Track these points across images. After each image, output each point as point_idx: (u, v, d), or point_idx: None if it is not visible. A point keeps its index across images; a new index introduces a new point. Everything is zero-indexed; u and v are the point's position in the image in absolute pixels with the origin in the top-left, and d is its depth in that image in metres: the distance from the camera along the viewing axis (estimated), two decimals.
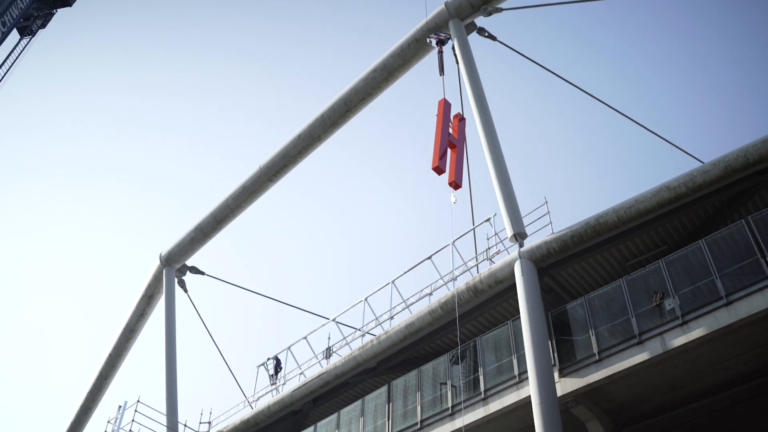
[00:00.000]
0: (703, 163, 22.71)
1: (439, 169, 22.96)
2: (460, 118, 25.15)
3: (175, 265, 38.85)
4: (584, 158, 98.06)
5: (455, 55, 29.87)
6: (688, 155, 26.99)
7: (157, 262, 39.10)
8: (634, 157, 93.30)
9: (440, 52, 28.37)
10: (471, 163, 30.39)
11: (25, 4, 43.90)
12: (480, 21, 30.75)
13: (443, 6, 30.61)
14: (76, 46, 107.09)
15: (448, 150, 23.53)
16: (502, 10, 30.07)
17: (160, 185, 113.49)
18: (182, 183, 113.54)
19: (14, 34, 44.77)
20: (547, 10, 31.63)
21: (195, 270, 39.69)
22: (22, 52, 45.36)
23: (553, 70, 30.05)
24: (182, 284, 39.22)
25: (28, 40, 46.39)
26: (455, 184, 22.99)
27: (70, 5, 49.28)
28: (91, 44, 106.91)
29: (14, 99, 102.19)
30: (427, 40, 29.98)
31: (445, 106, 24.65)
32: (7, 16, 41.91)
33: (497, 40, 30.59)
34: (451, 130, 24.18)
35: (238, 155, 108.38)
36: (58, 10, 48.74)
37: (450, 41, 29.75)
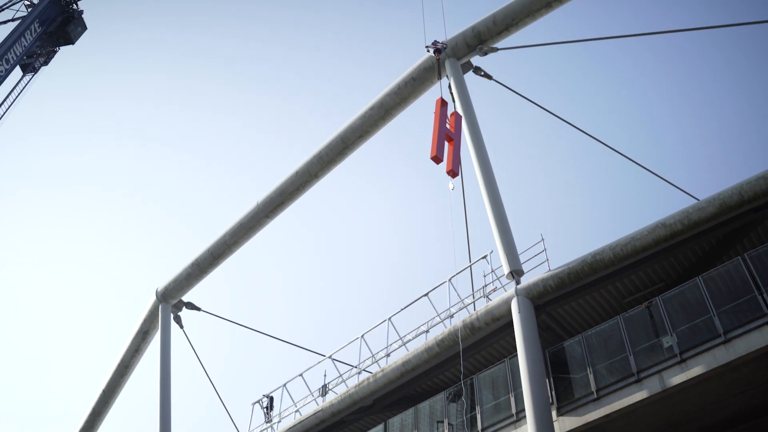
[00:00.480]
0: (698, 200, 22.79)
1: (437, 159, 24.60)
2: (457, 115, 26.87)
3: (172, 300, 38.73)
4: (580, 195, 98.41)
5: (451, 93, 30.14)
6: (684, 192, 27.11)
7: (153, 298, 38.97)
8: (629, 194, 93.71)
9: (438, 60, 30.47)
10: (468, 200, 30.49)
11: (29, 42, 44.43)
12: (476, 60, 31.06)
13: None
14: (78, 83, 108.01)
15: (446, 144, 25.18)
16: (497, 49, 30.39)
17: (156, 219, 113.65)
18: (180, 217, 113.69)
19: (17, 71, 45.27)
20: (542, 48, 31.93)
21: (191, 306, 39.54)
22: (24, 89, 45.88)
23: (548, 108, 30.30)
24: (178, 320, 39.07)
25: (30, 77, 46.87)
26: (452, 173, 24.85)
27: (73, 43, 49.73)
28: (93, 82, 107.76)
29: (15, 134, 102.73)
30: (425, 49, 31.13)
31: (441, 104, 26.41)
32: (10, 53, 42.37)
33: (493, 79, 30.87)
34: (448, 126, 25.82)
35: (238, 190, 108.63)
36: (61, 47, 49.42)
37: (445, 49, 30.41)
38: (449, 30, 30.72)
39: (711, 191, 22.01)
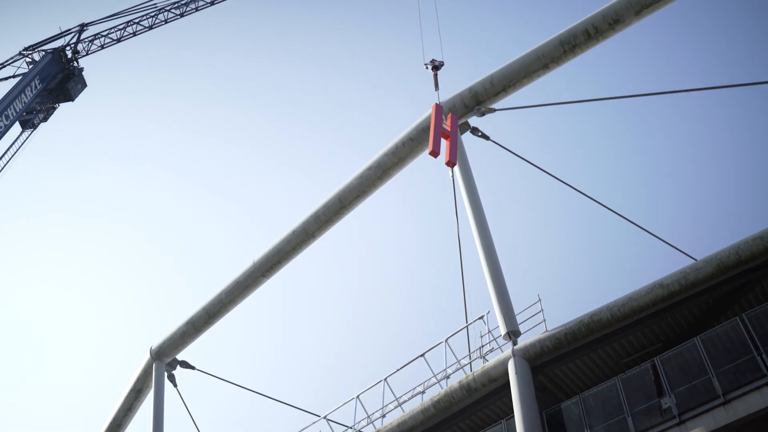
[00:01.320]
0: (695, 260, 22.83)
1: (434, 153, 27.91)
2: (453, 116, 30.12)
3: (166, 359, 38.33)
4: (577, 255, 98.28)
5: None
6: (681, 252, 27.13)
7: (147, 356, 38.58)
8: (626, 254, 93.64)
9: (435, 75, 33.70)
10: (465, 259, 30.50)
11: (29, 98, 44.87)
12: (474, 120, 31.39)
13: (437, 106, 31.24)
14: (76, 139, 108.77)
15: (443, 141, 28.45)
16: (495, 110, 30.75)
17: (151, 275, 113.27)
18: (176, 274, 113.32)
19: (16, 127, 45.62)
20: (540, 108, 32.30)
21: (185, 364, 39.12)
22: (23, 144, 46.23)
23: (544, 168, 30.49)
24: (172, 379, 38.63)
25: (29, 132, 47.31)
26: (451, 163, 28.56)
27: (73, 100, 50.36)
28: (90, 138, 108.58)
29: (13, 189, 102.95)
30: (424, 66, 34.34)
31: (437, 108, 29.57)
32: (10, 109, 42.73)
33: (490, 140, 31.16)
34: (445, 125, 28.96)
35: (236, 246, 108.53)
36: (61, 104, 49.96)
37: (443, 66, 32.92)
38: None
39: (708, 251, 22.10)
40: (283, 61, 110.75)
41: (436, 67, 33.87)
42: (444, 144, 28.32)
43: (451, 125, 29.12)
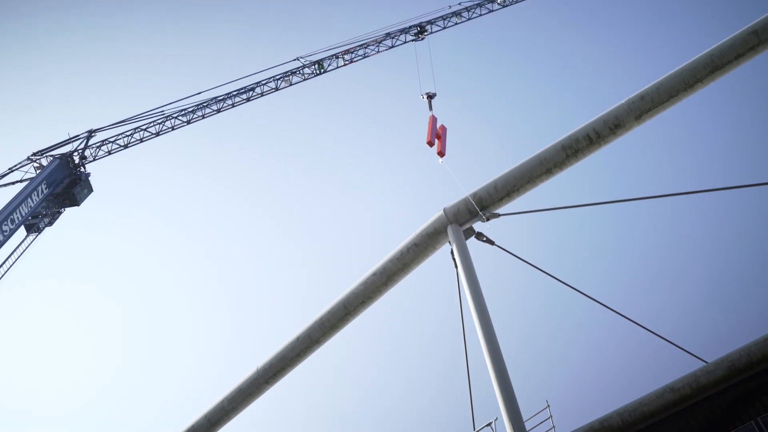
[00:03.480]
0: (706, 363, 22.72)
1: (430, 143, 37.28)
2: (444, 127, 39.08)
3: None
4: (586, 359, 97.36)
5: (454, 259, 30.57)
6: (691, 355, 26.94)
7: None
8: (636, 357, 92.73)
9: (429, 101, 43.72)
10: (471, 365, 30.28)
11: (35, 202, 45.29)
12: (478, 226, 31.69)
13: (442, 212, 31.63)
14: (81, 243, 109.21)
15: (436, 140, 37.62)
16: (499, 215, 31.08)
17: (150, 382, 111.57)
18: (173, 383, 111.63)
19: (21, 230, 45.81)
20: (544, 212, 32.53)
21: None
22: (27, 248, 46.37)
23: (551, 273, 30.58)
24: None
25: (34, 236, 47.49)
26: (441, 153, 37.39)
27: (78, 205, 50.78)
28: (96, 243, 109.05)
29: (14, 292, 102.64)
30: (420, 96, 44.22)
31: (432, 118, 38.99)
32: (16, 213, 43.09)
33: (495, 245, 31.39)
34: (437, 128, 38.33)
35: (241, 352, 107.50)
36: (66, 209, 50.34)
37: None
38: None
39: (719, 352, 22.05)
40: (288, 169, 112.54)
41: (431, 96, 44.12)
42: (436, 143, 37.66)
43: (442, 129, 38.72)
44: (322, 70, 51.02)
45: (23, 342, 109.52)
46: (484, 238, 31.71)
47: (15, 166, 49.11)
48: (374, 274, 33.03)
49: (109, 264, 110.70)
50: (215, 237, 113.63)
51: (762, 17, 25.81)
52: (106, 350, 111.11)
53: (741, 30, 26.40)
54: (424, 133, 37.87)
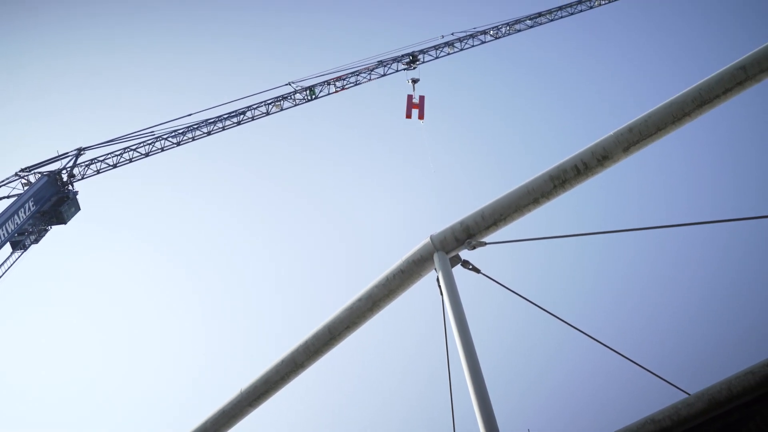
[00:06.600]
0: (688, 394, 22.76)
1: (408, 116, 46.39)
2: (421, 97, 47.83)
3: None
4: (567, 389, 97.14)
5: (439, 286, 30.61)
6: (673, 386, 27.01)
7: None
8: (616, 388, 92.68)
9: (413, 86, 49.43)
10: (454, 395, 30.18)
11: (22, 219, 45.00)
12: (465, 254, 31.84)
13: (429, 239, 31.66)
14: (66, 262, 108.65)
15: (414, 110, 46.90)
16: (486, 244, 31.13)
17: (131, 406, 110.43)
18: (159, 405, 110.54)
19: (6, 247, 45.52)
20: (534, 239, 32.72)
21: None
22: (11, 266, 46.00)
23: (534, 302, 30.60)
24: None
25: (19, 254, 47.13)
26: (420, 117, 46.70)
27: (65, 223, 50.42)
28: (81, 262, 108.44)
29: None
30: (407, 81, 49.92)
31: (410, 97, 47.48)
32: (2, 230, 42.78)
33: (481, 273, 31.50)
34: (416, 100, 47.10)
35: (224, 372, 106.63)
36: (53, 226, 50.01)
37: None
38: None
39: (702, 384, 22.04)
40: (277, 191, 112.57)
41: (414, 81, 48.91)
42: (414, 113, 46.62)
43: (419, 101, 46.83)
44: (314, 96, 51.06)
45: None
46: (470, 266, 31.70)
47: (2, 181, 48.77)
48: (360, 300, 32.63)
49: (92, 283, 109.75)
50: (200, 260, 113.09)
51: (750, 53, 26.11)
52: (84, 370, 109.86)
53: (729, 65, 26.72)
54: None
